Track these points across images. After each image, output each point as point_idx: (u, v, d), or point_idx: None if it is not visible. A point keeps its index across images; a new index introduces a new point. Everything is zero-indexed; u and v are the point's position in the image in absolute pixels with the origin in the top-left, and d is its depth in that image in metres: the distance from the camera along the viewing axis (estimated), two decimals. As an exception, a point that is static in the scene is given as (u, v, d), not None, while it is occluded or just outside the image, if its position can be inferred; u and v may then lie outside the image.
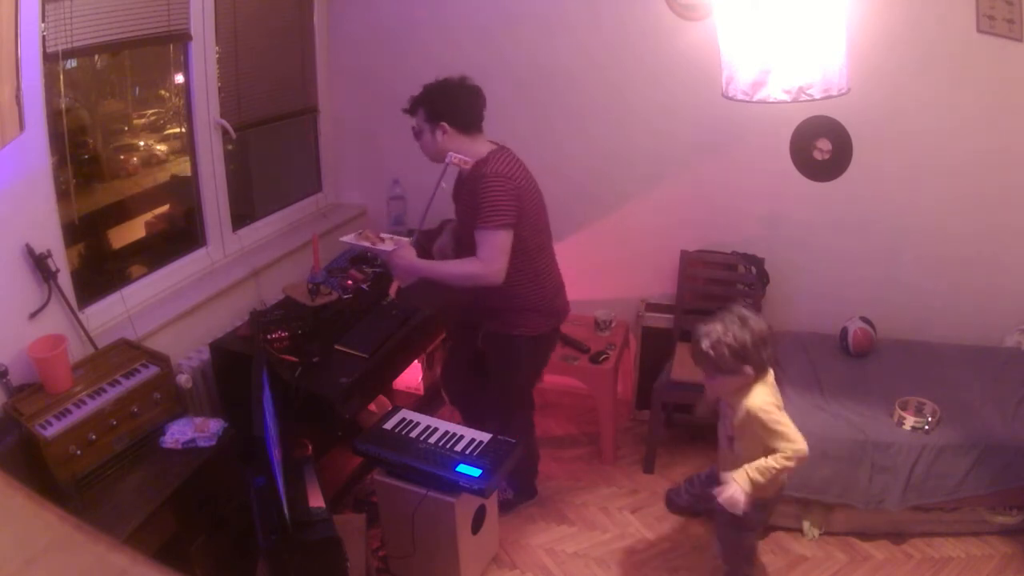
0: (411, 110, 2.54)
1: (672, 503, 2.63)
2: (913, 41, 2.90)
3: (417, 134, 2.55)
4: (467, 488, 2.37)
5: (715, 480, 2.21)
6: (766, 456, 2.01)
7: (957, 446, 2.62)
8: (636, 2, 3.21)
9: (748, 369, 1.98)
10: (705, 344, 1.99)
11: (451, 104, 2.48)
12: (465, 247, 2.56)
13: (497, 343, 2.71)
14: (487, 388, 2.85)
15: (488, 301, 2.60)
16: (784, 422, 2.01)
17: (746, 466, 2.02)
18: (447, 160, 2.47)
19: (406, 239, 2.69)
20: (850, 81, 1.92)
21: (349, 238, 2.71)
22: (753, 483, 2.00)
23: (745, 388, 2.04)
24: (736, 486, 2.01)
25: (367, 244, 2.65)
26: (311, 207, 3.83)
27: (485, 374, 2.84)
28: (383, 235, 2.72)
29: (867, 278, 3.31)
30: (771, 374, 2.08)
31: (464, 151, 2.48)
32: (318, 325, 2.79)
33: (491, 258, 2.40)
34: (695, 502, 2.49)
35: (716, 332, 1.98)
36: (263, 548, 1.96)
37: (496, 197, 2.38)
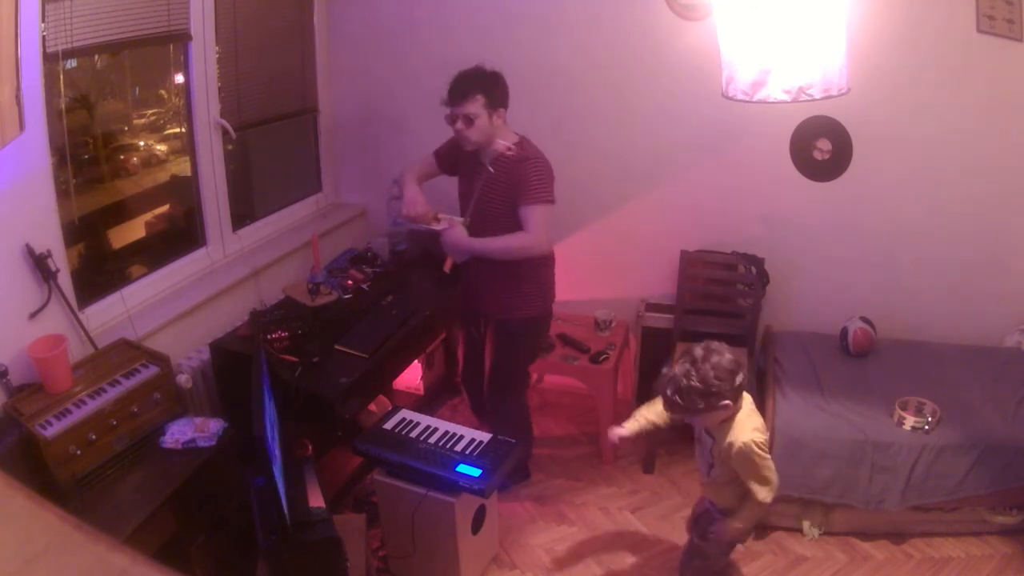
0: (464, 96, 2.57)
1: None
2: (913, 41, 2.90)
3: (470, 121, 2.59)
4: (467, 488, 2.38)
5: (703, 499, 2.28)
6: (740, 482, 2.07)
7: (957, 446, 2.62)
8: (636, 2, 3.21)
9: (724, 403, 1.94)
10: (670, 392, 1.94)
11: (505, 91, 2.64)
12: (492, 228, 2.69)
13: (500, 328, 2.90)
14: (491, 373, 3.01)
15: (495, 285, 2.77)
16: (770, 466, 2.02)
17: (734, 521, 2.10)
18: (496, 148, 2.64)
19: (458, 219, 2.76)
20: (850, 81, 1.92)
21: (402, 218, 2.82)
22: (743, 528, 2.11)
23: (729, 419, 2.02)
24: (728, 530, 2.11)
25: (424, 226, 2.74)
26: (311, 207, 3.83)
27: (488, 360, 3.03)
28: (440, 215, 2.79)
29: (867, 278, 3.31)
30: (747, 398, 2.06)
31: (506, 137, 2.68)
32: (318, 325, 2.79)
33: (540, 230, 2.63)
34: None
35: (679, 378, 1.92)
36: (263, 548, 1.97)
37: (543, 176, 2.62)
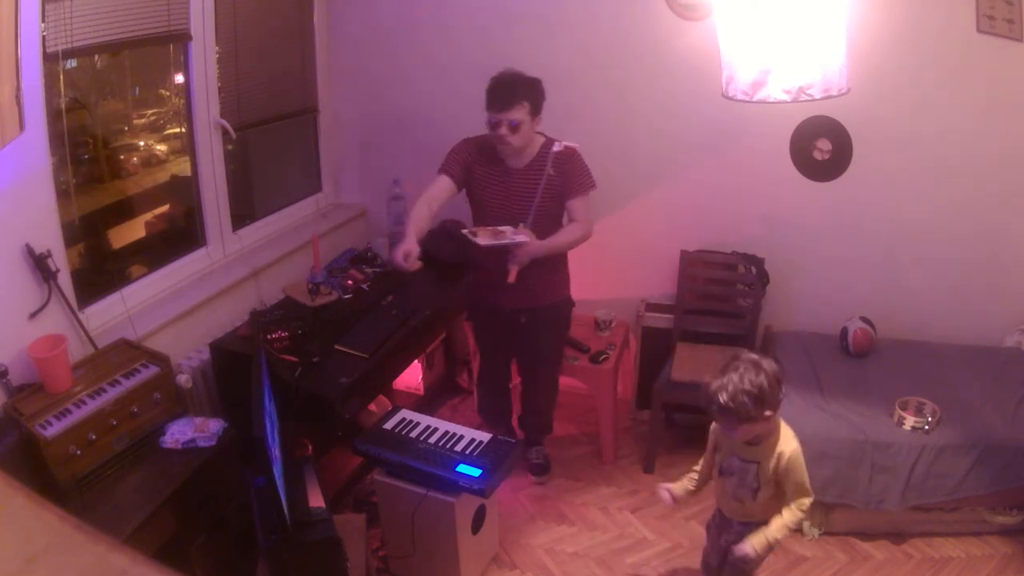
0: (511, 103, 2.58)
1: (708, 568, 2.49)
2: (913, 41, 2.90)
3: (515, 127, 2.61)
4: (467, 488, 2.38)
5: (726, 525, 2.24)
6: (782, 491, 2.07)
7: (957, 446, 2.62)
8: (636, 2, 3.21)
9: (769, 412, 1.94)
10: (724, 398, 1.91)
11: (543, 98, 2.68)
12: (550, 227, 2.76)
13: (542, 315, 2.92)
14: (537, 360, 3.08)
15: (531, 277, 2.73)
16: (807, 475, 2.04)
17: (766, 532, 2.06)
18: (556, 148, 2.67)
19: (523, 227, 2.70)
20: (850, 81, 1.92)
21: (481, 240, 2.66)
22: (772, 545, 2.06)
23: (769, 433, 2.02)
24: (753, 550, 2.06)
25: (506, 241, 2.65)
26: (311, 207, 3.83)
27: (527, 351, 3.06)
28: (499, 228, 2.72)
29: (867, 278, 3.31)
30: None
31: (537, 139, 2.75)
32: (318, 325, 2.78)
33: (590, 217, 2.80)
34: (721, 556, 2.37)
35: (732, 383, 1.91)
36: (263, 548, 1.96)
37: (586, 168, 2.76)
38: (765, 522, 2.13)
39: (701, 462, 2.29)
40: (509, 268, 2.67)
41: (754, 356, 1.97)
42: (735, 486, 2.13)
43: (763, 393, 1.90)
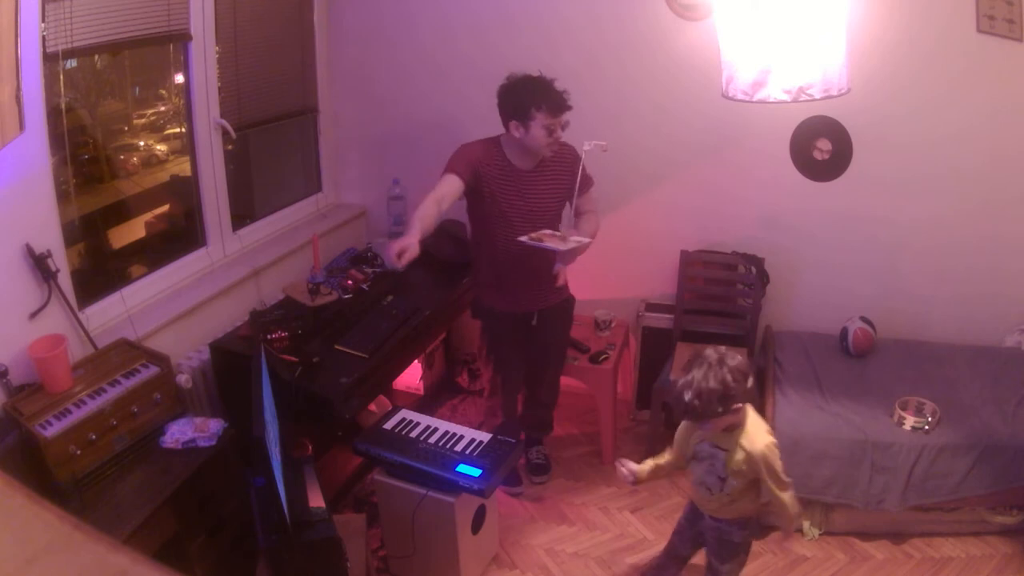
0: (567, 106, 2.65)
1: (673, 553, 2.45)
2: (913, 41, 2.90)
3: (565, 127, 2.69)
4: (467, 488, 2.37)
5: (698, 516, 2.24)
6: (754, 489, 2.08)
7: (957, 446, 2.62)
8: (636, 2, 3.21)
9: (738, 406, 1.94)
10: (688, 396, 1.92)
11: None
12: (549, 219, 2.79)
13: (557, 312, 3.00)
14: (555, 356, 3.13)
15: (551, 272, 2.75)
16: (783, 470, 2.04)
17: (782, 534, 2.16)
18: (587, 147, 2.71)
19: (564, 227, 2.77)
20: (850, 81, 1.92)
21: (554, 244, 2.60)
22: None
23: (738, 426, 2.01)
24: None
25: (574, 243, 2.61)
26: (311, 207, 3.83)
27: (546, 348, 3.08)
28: (550, 232, 2.68)
29: (867, 278, 3.31)
30: (748, 405, 2.04)
31: None
32: (318, 325, 2.78)
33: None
34: (693, 544, 2.37)
35: (696, 381, 1.91)
36: (263, 548, 1.97)
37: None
38: (736, 521, 2.14)
39: (669, 451, 2.28)
40: (557, 271, 2.67)
41: (717, 353, 1.95)
42: (704, 472, 2.13)
43: (728, 389, 1.90)
